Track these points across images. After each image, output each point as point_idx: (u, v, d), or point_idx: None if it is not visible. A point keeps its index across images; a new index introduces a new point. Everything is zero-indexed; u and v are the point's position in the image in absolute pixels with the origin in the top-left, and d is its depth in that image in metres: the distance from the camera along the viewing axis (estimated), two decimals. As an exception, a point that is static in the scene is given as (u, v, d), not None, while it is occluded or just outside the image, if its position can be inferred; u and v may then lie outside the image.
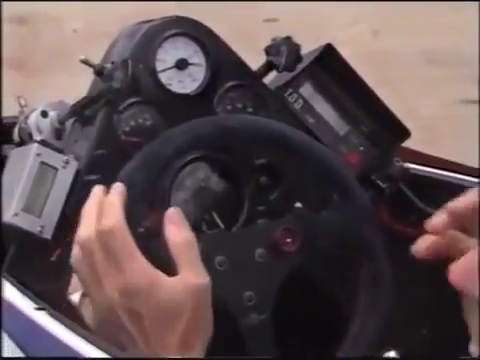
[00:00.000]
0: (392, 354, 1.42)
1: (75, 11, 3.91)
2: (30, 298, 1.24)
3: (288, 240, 1.28)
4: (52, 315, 1.20)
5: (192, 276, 1.12)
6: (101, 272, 1.11)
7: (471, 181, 1.49)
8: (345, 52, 1.48)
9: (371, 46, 3.33)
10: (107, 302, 1.11)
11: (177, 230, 1.14)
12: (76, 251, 1.13)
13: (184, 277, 1.11)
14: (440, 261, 1.49)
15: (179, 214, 1.15)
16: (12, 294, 1.26)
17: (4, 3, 3.96)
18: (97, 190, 1.16)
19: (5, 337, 1.24)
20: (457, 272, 1.01)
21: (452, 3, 4.03)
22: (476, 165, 1.58)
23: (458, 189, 1.45)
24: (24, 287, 1.27)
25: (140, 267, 1.10)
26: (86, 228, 1.13)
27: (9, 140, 1.38)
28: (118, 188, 1.16)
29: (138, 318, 1.10)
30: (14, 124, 1.39)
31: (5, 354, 1.23)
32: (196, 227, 1.34)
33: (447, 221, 1.07)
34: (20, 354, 1.21)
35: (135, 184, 1.22)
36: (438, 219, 1.08)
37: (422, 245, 1.09)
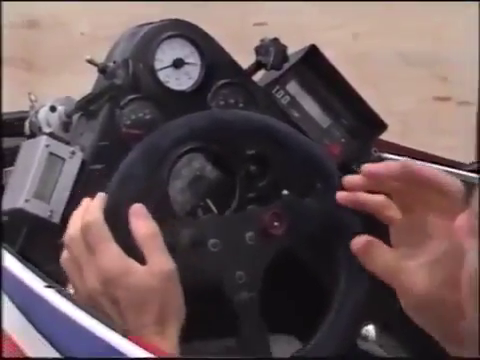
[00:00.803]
0: (370, 328, 1.42)
1: (82, 16, 3.92)
2: (40, 277, 1.23)
3: (276, 224, 1.28)
4: (60, 292, 1.19)
5: (158, 264, 1.14)
6: (82, 264, 1.14)
7: (440, 168, 1.47)
8: (328, 53, 1.47)
9: (351, 48, 3.32)
10: (88, 291, 1.15)
11: (141, 223, 1.15)
12: (64, 251, 1.17)
13: (152, 265, 1.13)
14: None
15: (142, 209, 1.16)
16: (24, 274, 1.25)
17: (16, 8, 3.96)
18: (84, 201, 1.19)
19: (5, 299, 1.24)
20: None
21: (426, 8, 4.03)
22: (446, 156, 1.57)
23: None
24: (35, 267, 1.26)
25: (114, 257, 1.13)
26: (71, 228, 1.16)
27: (21, 133, 1.37)
28: (100, 196, 1.18)
29: (115, 303, 1.13)
30: (25, 118, 1.38)
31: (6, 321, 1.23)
32: (192, 212, 1.33)
33: (364, 183, 1.06)
34: (30, 328, 1.21)
35: (135, 173, 1.22)
36: (355, 179, 1.07)
37: (342, 195, 1.09)
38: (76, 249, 1.15)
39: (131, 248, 1.15)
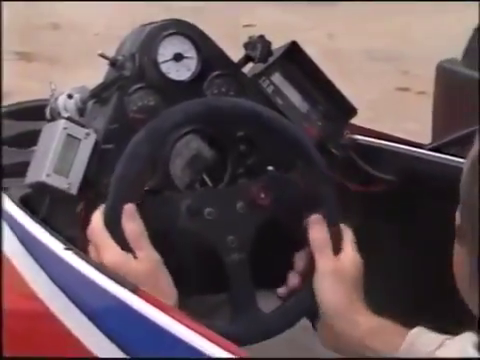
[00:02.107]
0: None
1: (96, 19, 3.94)
2: (60, 240, 1.22)
3: (262, 196, 1.27)
4: (77, 254, 1.18)
5: (146, 257, 1.16)
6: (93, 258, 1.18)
7: (402, 148, 1.47)
8: (306, 51, 1.45)
9: (327, 46, 3.32)
10: None
11: (130, 225, 1.16)
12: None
13: (140, 258, 1.16)
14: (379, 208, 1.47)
15: (132, 210, 1.17)
16: (46, 237, 1.24)
17: (41, 13, 3.97)
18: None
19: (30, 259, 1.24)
20: None
21: (390, 12, 4.05)
22: (408, 138, 1.56)
23: (393, 154, 1.45)
24: (56, 232, 1.24)
25: (113, 254, 1.15)
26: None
27: (42, 117, 1.35)
28: (100, 208, 1.19)
29: None
30: (46, 105, 1.36)
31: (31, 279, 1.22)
32: (190, 186, 1.31)
33: None
34: (51, 285, 1.19)
35: (141, 152, 1.21)
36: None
37: None
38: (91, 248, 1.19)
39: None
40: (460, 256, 0.95)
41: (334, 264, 1.25)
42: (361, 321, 1.21)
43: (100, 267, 1.14)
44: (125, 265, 1.15)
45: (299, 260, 1.28)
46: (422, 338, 1.17)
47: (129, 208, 1.17)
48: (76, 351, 1.12)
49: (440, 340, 1.15)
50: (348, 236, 1.28)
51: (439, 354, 1.13)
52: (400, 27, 3.94)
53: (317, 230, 1.26)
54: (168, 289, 1.17)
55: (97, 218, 1.18)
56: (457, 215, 0.93)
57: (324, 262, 1.25)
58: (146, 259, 1.16)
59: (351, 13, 4.12)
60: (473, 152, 0.93)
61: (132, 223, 1.16)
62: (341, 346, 1.23)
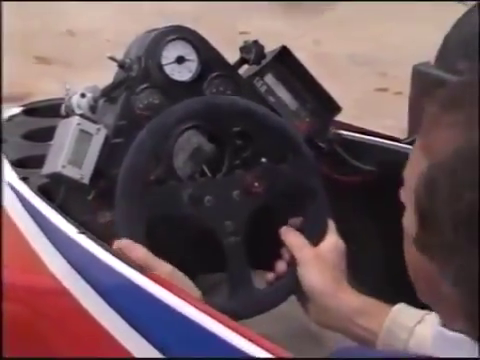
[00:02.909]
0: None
1: (107, 26, 3.94)
2: (74, 225, 1.21)
3: (256, 185, 1.26)
4: (89, 237, 1.17)
5: (164, 271, 1.12)
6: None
7: (381, 141, 1.46)
8: (296, 55, 1.43)
9: (314, 51, 3.30)
10: None
11: (134, 253, 1.13)
12: None
13: (161, 273, 1.11)
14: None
15: (127, 243, 1.14)
16: (61, 222, 1.22)
17: (59, 21, 3.97)
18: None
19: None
20: None
21: (369, 21, 4.04)
22: (384, 132, 1.54)
23: (373, 147, 1.44)
24: (70, 217, 1.23)
25: (142, 257, 1.13)
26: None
27: (58, 114, 1.33)
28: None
29: None
30: (61, 103, 1.34)
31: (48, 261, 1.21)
32: (192, 176, 1.30)
33: None
34: (67, 266, 1.18)
35: (147, 146, 1.20)
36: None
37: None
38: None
39: None
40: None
41: (314, 252, 1.24)
42: (346, 299, 1.20)
43: (109, 249, 1.13)
44: (153, 270, 1.12)
45: (285, 252, 1.27)
46: (404, 314, 1.16)
47: (125, 243, 1.14)
48: (87, 322, 1.11)
49: (420, 315, 1.14)
50: (330, 225, 1.27)
51: (418, 329, 1.12)
52: (379, 34, 3.93)
53: (291, 237, 1.26)
54: (191, 290, 1.14)
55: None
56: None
57: (304, 254, 1.24)
58: (164, 272, 1.12)
59: (335, 22, 4.12)
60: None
61: (134, 252, 1.13)
62: (328, 322, 1.22)
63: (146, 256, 1.13)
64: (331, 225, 1.27)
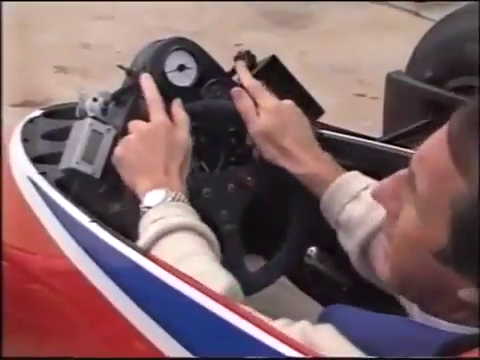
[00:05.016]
0: (313, 249, 1.38)
1: (118, 39, 3.94)
2: (86, 215, 1.19)
3: (249, 179, 1.26)
4: (100, 225, 1.16)
5: (157, 119, 1.20)
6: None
7: (359, 140, 1.44)
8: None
9: (298, 62, 3.28)
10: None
11: (148, 93, 1.23)
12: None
13: (153, 119, 1.20)
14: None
15: (150, 81, 1.24)
16: (75, 212, 1.21)
17: (75, 35, 3.97)
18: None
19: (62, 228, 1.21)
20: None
21: (351, 32, 4.04)
22: (362, 132, 1.53)
23: (352, 146, 1.42)
24: (83, 208, 1.22)
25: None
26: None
27: (73, 116, 1.32)
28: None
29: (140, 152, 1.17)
30: (76, 106, 1.32)
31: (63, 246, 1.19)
32: (191, 171, 1.28)
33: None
34: (80, 251, 1.17)
35: None
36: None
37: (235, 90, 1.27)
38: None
39: None
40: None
41: (277, 101, 1.25)
42: (306, 160, 1.19)
43: (118, 236, 1.11)
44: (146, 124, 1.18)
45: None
46: (357, 179, 1.14)
47: (146, 77, 1.22)
48: (96, 300, 1.10)
49: (369, 182, 1.11)
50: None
51: (364, 194, 1.10)
52: (357, 45, 3.93)
53: (241, 100, 1.25)
54: (179, 149, 1.18)
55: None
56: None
57: (267, 101, 1.25)
58: (158, 120, 1.18)
59: (319, 36, 4.12)
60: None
61: (148, 91, 1.21)
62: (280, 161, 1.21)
63: (156, 102, 1.20)
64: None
